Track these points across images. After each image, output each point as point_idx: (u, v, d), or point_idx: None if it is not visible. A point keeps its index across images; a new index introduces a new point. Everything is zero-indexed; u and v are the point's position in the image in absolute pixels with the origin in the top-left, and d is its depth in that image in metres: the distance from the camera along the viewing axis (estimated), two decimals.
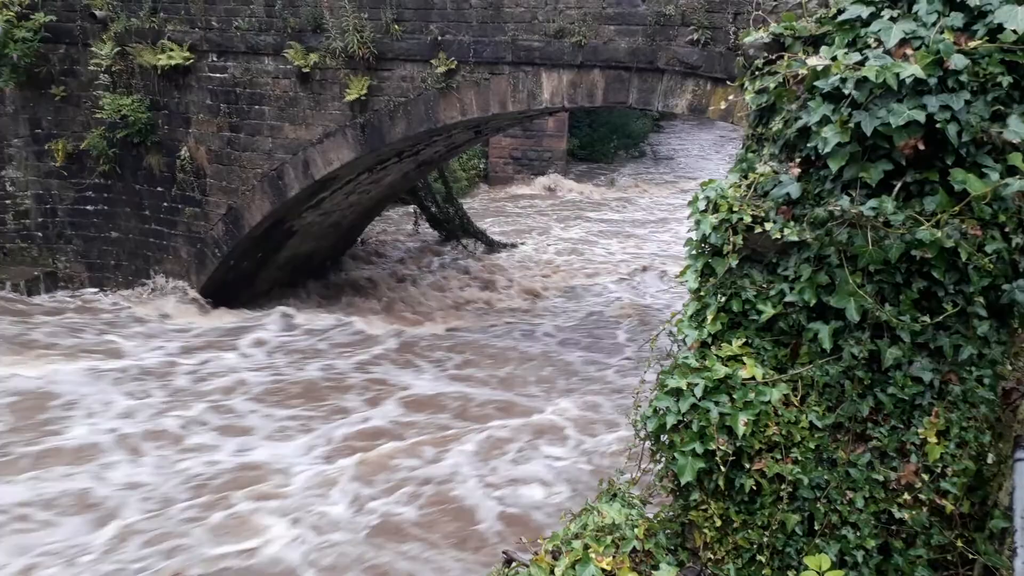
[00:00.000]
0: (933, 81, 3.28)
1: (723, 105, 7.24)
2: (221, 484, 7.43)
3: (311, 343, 10.89)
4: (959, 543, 3.41)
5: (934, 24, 3.44)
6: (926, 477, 3.40)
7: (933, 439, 3.38)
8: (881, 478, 3.46)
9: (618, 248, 16.98)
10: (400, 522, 6.95)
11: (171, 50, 10.33)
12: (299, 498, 7.23)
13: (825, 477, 3.53)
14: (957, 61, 3.28)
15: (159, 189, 11.18)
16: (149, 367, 9.77)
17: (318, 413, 8.89)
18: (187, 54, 10.31)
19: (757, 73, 4.00)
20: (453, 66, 8.84)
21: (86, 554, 6.43)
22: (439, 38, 8.89)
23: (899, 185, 3.40)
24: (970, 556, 3.40)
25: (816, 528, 3.54)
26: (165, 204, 11.19)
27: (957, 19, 3.42)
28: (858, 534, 3.47)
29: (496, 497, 7.30)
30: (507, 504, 7.23)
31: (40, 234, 11.97)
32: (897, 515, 3.43)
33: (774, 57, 3.97)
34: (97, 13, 10.59)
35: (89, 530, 6.74)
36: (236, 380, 9.60)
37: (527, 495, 7.38)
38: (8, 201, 11.85)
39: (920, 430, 3.42)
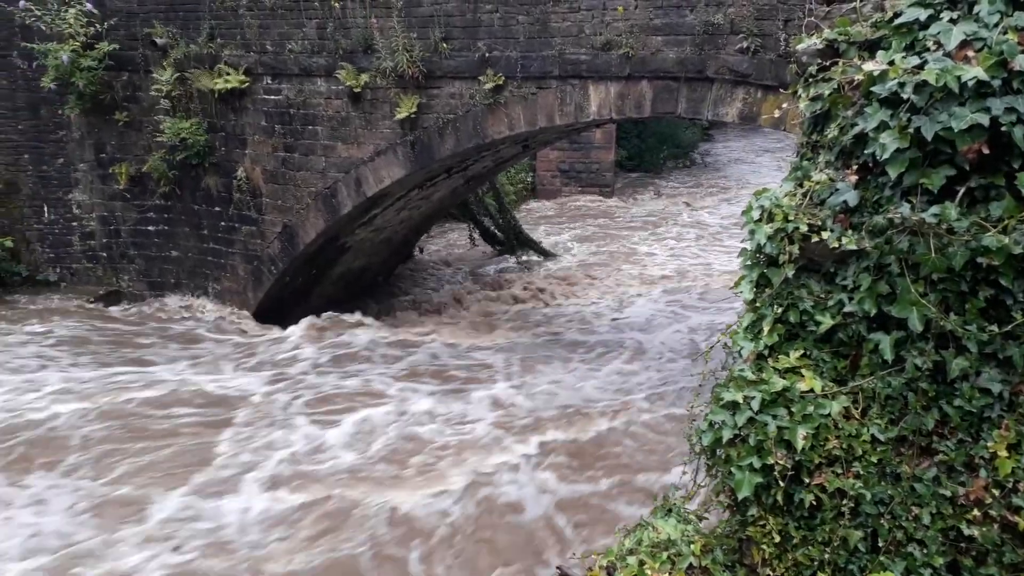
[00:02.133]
0: (997, 83, 3.20)
1: (776, 113, 7.12)
2: None
3: None
4: None
5: (996, 25, 3.35)
6: (996, 492, 3.28)
7: (1003, 453, 3.27)
8: (948, 493, 3.35)
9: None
10: None
11: (227, 74, 10.62)
12: None
13: (889, 492, 3.43)
14: (1023, 62, 3.19)
15: (217, 209, 11.49)
16: None
17: None
18: (243, 77, 10.60)
19: (811, 80, 3.95)
20: (500, 82, 8.90)
21: None
22: (487, 55, 8.97)
23: (962, 190, 3.31)
24: None
25: (880, 545, 3.43)
26: (222, 223, 11.49)
27: (1021, 19, 3.33)
28: (925, 551, 3.36)
29: None
30: None
31: (104, 254, 12.39)
32: (966, 532, 3.31)
33: (828, 63, 3.92)
34: (158, 41, 10.97)
35: None
36: None
37: None
38: (75, 223, 12.32)
39: (989, 443, 3.31)
